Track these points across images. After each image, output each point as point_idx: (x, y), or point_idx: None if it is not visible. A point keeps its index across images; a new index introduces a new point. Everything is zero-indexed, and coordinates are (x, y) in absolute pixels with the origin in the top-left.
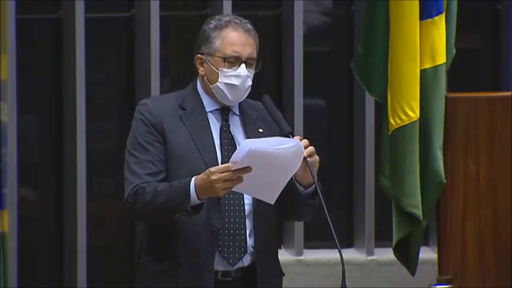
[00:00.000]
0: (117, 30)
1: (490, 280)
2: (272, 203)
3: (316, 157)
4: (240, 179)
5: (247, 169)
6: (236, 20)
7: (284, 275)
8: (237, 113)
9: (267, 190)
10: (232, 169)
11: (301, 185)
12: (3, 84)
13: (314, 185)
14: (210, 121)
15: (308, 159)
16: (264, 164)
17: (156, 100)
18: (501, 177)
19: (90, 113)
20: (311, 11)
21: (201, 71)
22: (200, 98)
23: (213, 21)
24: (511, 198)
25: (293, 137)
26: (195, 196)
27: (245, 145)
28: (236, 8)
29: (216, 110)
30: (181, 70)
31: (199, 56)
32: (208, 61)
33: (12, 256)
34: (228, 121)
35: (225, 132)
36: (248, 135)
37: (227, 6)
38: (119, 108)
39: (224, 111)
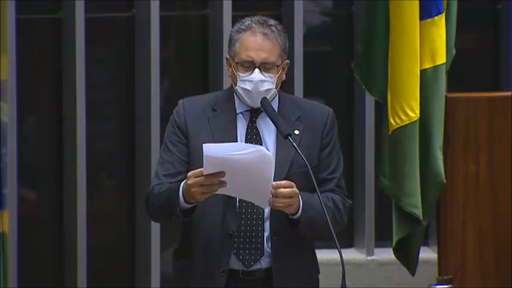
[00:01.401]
0: (117, 30)
1: (490, 280)
2: (264, 207)
3: (281, 203)
4: (222, 184)
5: (220, 174)
6: (255, 25)
7: (319, 272)
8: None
9: (255, 194)
10: (205, 174)
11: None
12: (3, 84)
13: (297, 214)
14: (238, 122)
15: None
16: (232, 169)
17: (190, 100)
18: (501, 177)
19: (90, 113)
20: (311, 11)
21: (229, 72)
22: (233, 99)
23: (238, 24)
24: (511, 198)
25: (292, 139)
26: (183, 199)
27: (204, 150)
28: (236, 8)
29: (246, 111)
30: (181, 70)
31: (227, 57)
32: (231, 64)
33: (12, 256)
34: (255, 123)
35: (250, 133)
36: (279, 137)
37: (227, 6)
38: (119, 108)
39: (253, 113)
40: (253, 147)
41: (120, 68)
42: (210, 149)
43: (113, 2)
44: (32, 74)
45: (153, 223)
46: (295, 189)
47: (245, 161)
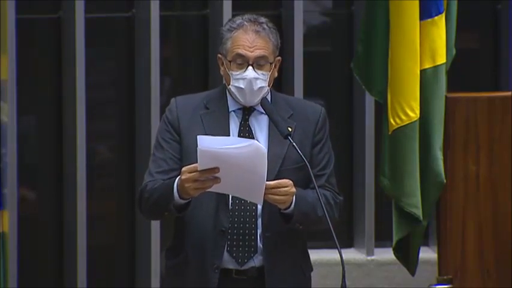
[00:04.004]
0: (117, 30)
1: (490, 280)
2: (259, 204)
3: (276, 197)
4: (215, 180)
5: (214, 170)
6: (246, 23)
7: (312, 270)
8: (264, 111)
9: (249, 191)
10: (199, 169)
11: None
12: (3, 84)
13: (290, 208)
14: (231, 120)
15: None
16: (226, 164)
17: (183, 98)
18: (501, 177)
19: (90, 113)
20: (311, 11)
21: (221, 70)
22: (226, 98)
23: (229, 23)
24: (511, 198)
25: (292, 138)
26: (177, 195)
27: (198, 144)
28: (236, 8)
29: (238, 109)
30: (181, 70)
31: (219, 56)
32: (223, 62)
33: (12, 256)
34: (247, 121)
35: (242, 131)
36: (271, 134)
37: (227, 6)
38: (119, 108)
39: (245, 111)
40: (247, 141)
41: (120, 68)
42: (205, 142)
43: (113, 2)
44: (32, 74)
45: (153, 223)
46: (292, 188)
47: (239, 155)
